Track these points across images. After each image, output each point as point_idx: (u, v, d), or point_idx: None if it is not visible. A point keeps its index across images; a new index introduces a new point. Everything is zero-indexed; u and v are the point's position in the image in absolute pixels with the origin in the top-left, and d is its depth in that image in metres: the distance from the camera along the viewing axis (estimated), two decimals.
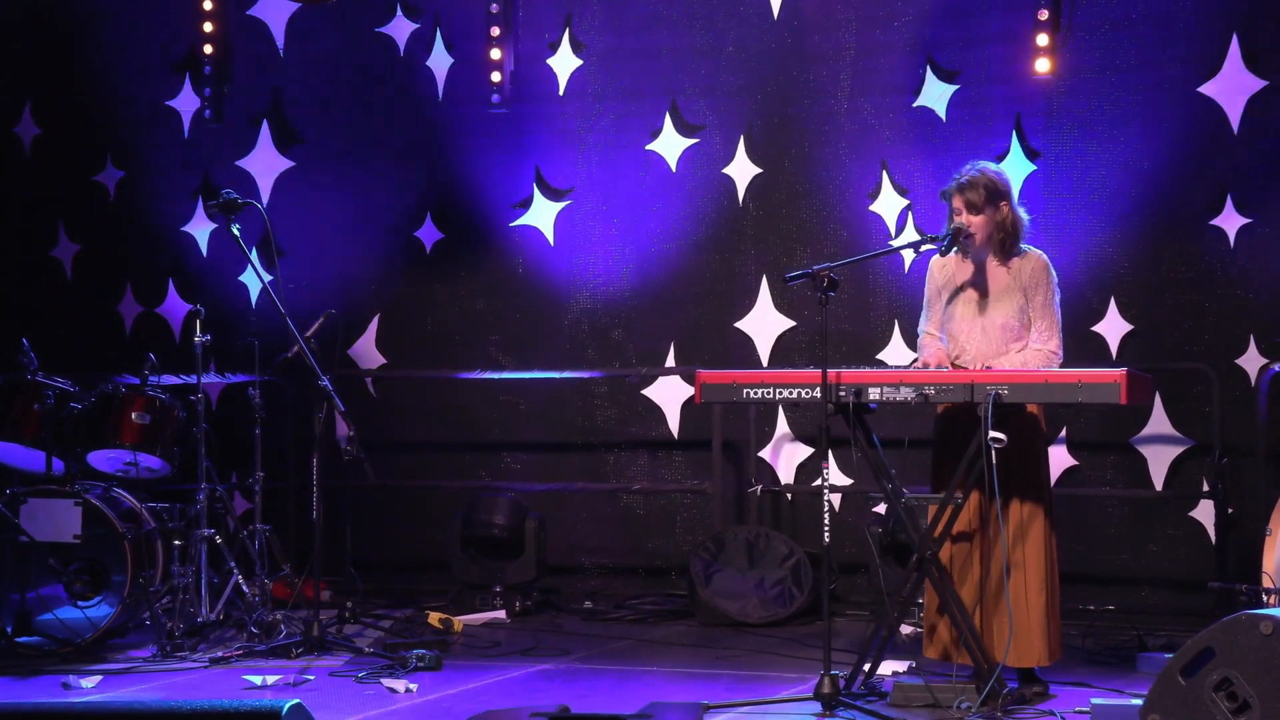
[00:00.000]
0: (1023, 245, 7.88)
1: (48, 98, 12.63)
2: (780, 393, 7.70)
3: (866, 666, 7.73)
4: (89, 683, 8.26)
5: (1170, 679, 6.56)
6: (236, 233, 9.13)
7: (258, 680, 8.20)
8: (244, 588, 9.43)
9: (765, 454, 11.14)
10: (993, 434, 7.26)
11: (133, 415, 9.39)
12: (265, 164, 12.17)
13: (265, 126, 12.18)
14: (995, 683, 7.38)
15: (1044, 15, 10.35)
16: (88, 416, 9.37)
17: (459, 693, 8.06)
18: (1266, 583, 8.26)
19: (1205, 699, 6.45)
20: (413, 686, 8.05)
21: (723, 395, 7.95)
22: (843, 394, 7.54)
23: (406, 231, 11.95)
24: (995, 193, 7.80)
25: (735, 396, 7.84)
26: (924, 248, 7.97)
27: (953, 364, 7.84)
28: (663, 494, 11.38)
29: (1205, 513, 10.30)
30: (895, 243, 8.11)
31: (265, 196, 12.08)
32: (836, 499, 10.95)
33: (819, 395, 7.53)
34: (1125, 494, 10.43)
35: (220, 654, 8.84)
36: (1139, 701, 7.22)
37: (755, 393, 7.73)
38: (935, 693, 7.49)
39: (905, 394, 7.51)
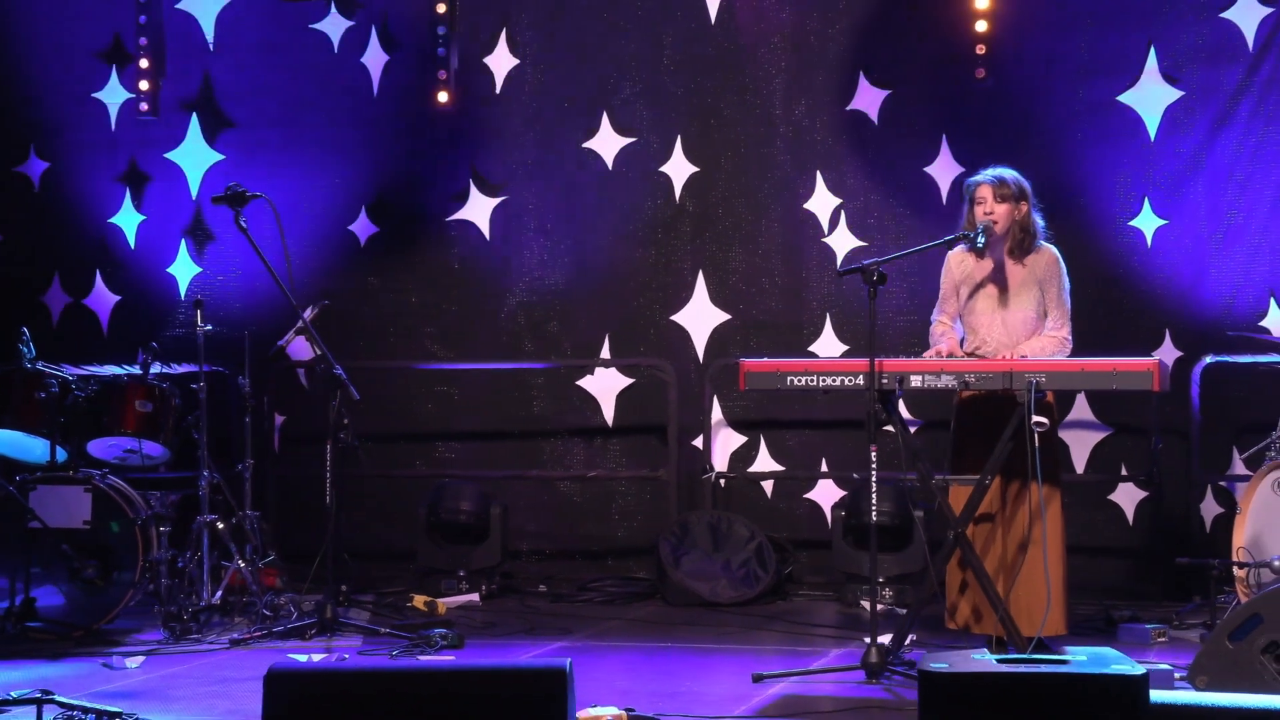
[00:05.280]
0: (1037, 243, 8.47)
1: None
2: (824, 380, 8.14)
3: (892, 639, 8.23)
4: (133, 662, 8.41)
5: (1218, 643, 7.16)
6: (244, 225, 9.32)
7: (303, 659, 8.41)
8: (247, 573, 9.58)
9: (699, 441, 11.54)
10: (1036, 418, 7.80)
11: (136, 404, 9.51)
12: (194, 157, 12.26)
13: (195, 120, 12.28)
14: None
15: (981, 27, 10.93)
16: (90, 405, 9.47)
17: None
18: (1243, 557, 8.91)
19: (1254, 661, 7.07)
20: None
21: (767, 383, 8.35)
22: (885, 381, 8.02)
23: (340, 225, 12.13)
24: (1020, 190, 8.40)
25: (779, 384, 8.25)
26: (960, 243, 8.48)
27: (971, 354, 8.38)
28: (598, 481, 11.70)
29: (1124, 495, 10.99)
30: (935, 241, 8.56)
31: (194, 190, 12.20)
32: (769, 482, 11.45)
33: (861, 382, 8.02)
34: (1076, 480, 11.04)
35: (238, 636, 9.03)
36: (1165, 665, 7.85)
37: (799, 380, 8.17)
38: None
39: (946, 381, 8.01)
